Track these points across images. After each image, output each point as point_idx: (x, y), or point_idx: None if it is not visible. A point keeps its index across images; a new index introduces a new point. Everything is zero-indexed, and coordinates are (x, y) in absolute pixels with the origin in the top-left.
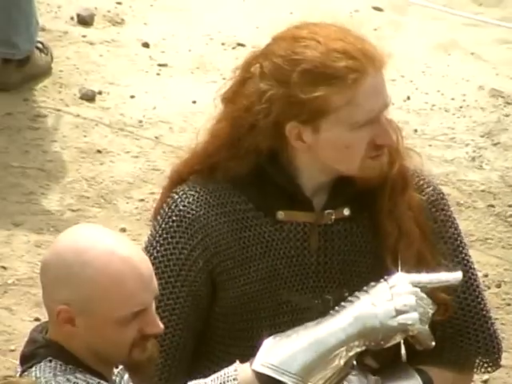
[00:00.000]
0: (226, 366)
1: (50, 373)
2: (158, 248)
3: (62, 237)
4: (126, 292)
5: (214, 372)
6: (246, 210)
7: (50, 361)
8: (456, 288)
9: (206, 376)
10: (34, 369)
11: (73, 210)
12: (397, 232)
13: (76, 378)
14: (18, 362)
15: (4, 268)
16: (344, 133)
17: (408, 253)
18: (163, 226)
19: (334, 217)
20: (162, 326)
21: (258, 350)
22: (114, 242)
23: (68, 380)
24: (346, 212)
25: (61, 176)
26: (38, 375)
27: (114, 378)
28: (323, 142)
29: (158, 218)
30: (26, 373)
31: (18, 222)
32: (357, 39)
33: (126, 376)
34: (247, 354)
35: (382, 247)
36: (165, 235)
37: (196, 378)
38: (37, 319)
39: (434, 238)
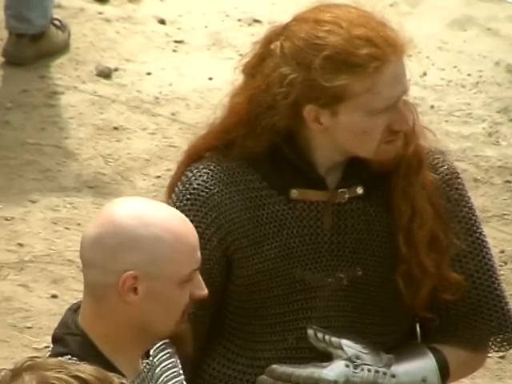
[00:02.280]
0: (240, 344)
1: None
2: None
3: (108, 208)
4: (188, 248)
5: (228, 350)
6: (260, 188)
7: (70, 358)
8: (469, 267)
9: (220, 354)
10: (63, 359)
11: (89, 187)
12: (410, 211)
13: None
14: (34, 339)
15: (21, 245)
16: (362, 118)
17: (421, 232)
18: (177, 204)
19: (347, 195)
20: (206, 290)
21: (271, 329)
22: (163, 205)
23: None
24: (360, 191)
25: (77, 153)
26: None
27: (142, 367)
28: (340, 126)
29: (173, 196)
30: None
31: (34, 199)
32: (379, 25)
33: (159, 368)
34: (261, 332)
35: (395, 226)
36: None
37: (211, 357)
38: (54, 296)
39: (448, 217)
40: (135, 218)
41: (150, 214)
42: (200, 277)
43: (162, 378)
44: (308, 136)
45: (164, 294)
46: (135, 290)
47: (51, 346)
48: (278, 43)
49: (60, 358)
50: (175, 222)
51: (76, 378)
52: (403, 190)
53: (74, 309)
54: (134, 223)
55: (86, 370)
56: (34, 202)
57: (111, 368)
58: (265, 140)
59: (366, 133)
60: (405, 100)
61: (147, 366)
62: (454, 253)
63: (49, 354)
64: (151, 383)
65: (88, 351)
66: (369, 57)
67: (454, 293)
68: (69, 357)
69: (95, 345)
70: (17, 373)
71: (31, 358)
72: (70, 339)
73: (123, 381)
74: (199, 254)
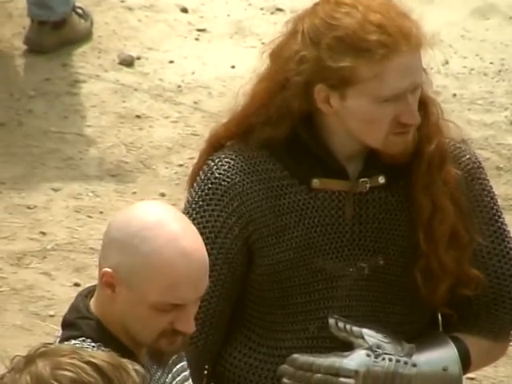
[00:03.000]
0: (261, 334)
1: None
2: (194, 215)
3: (137, 206)
4: (170, 280)
5: (249, 339)
6: (281, 177)
7: (84, 340)
8: (491, 257)
9: (241, 343)
10: (77, 342)
11: (112, 175)
12: (431, 208)
13: None
14: (57, 328)
15: (43, 233)
16: (369, 105)
17: (441, 229)
18: (199, 193)
19: (368, 185)
20: (193, 328)
21: (292, 318)
22: (182, 230)
23: None
24: (382, 180)
25: (100, 141)
26: None
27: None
28: (349, 111)
29: (195, 185)
30: (65, 342)
31: (57, 188)
32: (398, 15)
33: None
34: (282, 322)
35: (415, 222)
36: (201, 202)
37: (232, 346)
38: (76, 284)
39: (470, 212)
40: (142, 226)
41: (157, 230)
42: (190, 313)
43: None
44: (323, 121)
45: (135, 307)
46: (113, 287)
47: (60, 331)
48: (300, 24)
49: (74, 341)
50: (172, 252)
51: (89, 363)
52: (425, 186)
53: (85, 294)
54: (136, 230)
55: (99, 355)
56: (56, 190)
57: (125, 350)
58: (283, 126)
59: (372, 120)
60: (428, 96)
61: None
62: (477, 248)
63: (59, 339)
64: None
65: (102, 334)
66: (378, 43)
67: (474, 288)
68: (83, 339)
69: (108, 328)
70: (30, 359)
71: (44, 345)
72: (83, 323)
73: (137, 367)
74: (191, 292)
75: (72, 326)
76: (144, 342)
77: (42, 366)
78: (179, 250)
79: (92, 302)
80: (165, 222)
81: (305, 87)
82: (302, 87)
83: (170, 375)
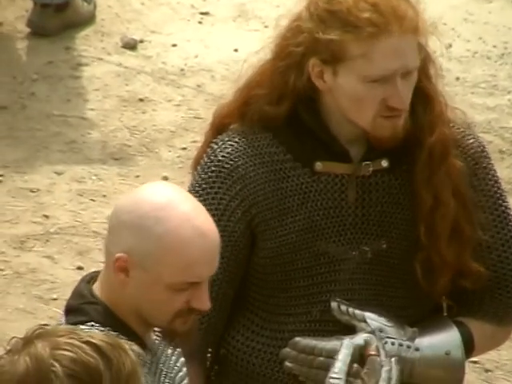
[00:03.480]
0: (264, 317)
1: None
2: (197, 198)
3: (144, 187)
4: (187, 260)
5: (252, 322)
6: (284, 160)
7: (93, 325)
8: (495, 240)
9: (244, 326)
10: (84, 327)
11: (115, 159)
12: (432, 202)
13: None
14: (60, 311)
15: (46, 217)
16: (357, 84)
17: (443, 224)
18: (202, 175)
19: (371, 168)
20: (209, 304)
21: (295, 301)
22: (194, 209)
23: None
24: (385, 164)
25: (103, 125)
26: None
27: (154, 338)
28: (340, 88)
29: (198, 167)
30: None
31: (59, 171)
32: None
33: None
34: (284, 305)
35: (417, 214)
36: (204, 185)
37: (235, 329)
38: (79, 268)
39: (474, 197)
40: (153, 207)
41: (169, 211)
42: (205, 290)
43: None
44: (321, 101)
45: (151, 290)
46: (128, 272)
47: (63, 316)
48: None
49: (82, 327)
50: (186, 231)
51: (88, 343)
52: (426, 179)
53: (87, 280)
54: (148, 212)
55: (97, 335)
56: (59, 173)
57: (133, 334)
58: (283, 105)
59: (360, 100)
60: (432, 86)
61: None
62: (480, 238)
63: (63, 324)
64: (167, 348)
65: (109, 319)
66: (368, 21)
67: (475, 282)
68: (91, 324)
69: (114, 312)
70: (28, 341)
71: (41, 327)
72: (89, 308)
73: (134, 347)
74: (207, 269)
75: (78, 311)
76: (159, 324)
77: (41, 347)
78: (194, 230)
79: (96, 288)
80: (176, 203)
81: (301, 59)
82: (299, 59)
83: (173, 357)
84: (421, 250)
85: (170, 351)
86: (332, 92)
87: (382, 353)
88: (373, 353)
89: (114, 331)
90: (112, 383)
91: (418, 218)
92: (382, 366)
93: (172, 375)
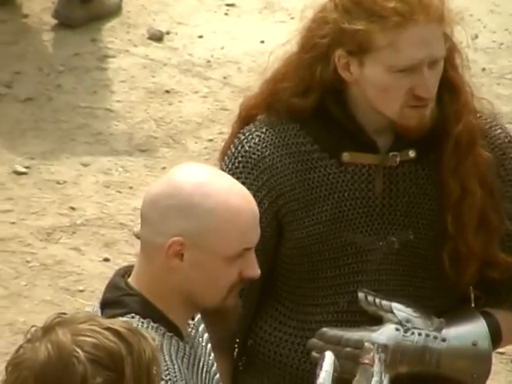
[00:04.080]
0: (291, 307)
1: None
2: None
3: (173, 172)
4: (241, 227)
5: (280, 313)
6: (312, 151)
7: (133, 317)
8: None
9: (272, 317)
10: (124, 319)
11: (141, 151)
12: (459, 192)
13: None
14: (86, 302)
15: (73, 209)
16: (384, 74)
17: (470, 213)
18: (229, 166)
19: (399, 159)
20: (259, 270)
21: (322, 292)
22: (230, 179)
23: None
24: (412, 154)
25: (129, 116)
26: None
27: (189, 330)
28: (366, 79)
29: (225, 158)
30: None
31: (86, 163)
32: None
33: (201, 327)
34: (312, 296)
35: (444, 204)
36: (231, 176)
37: (263, 319)
38: (106, 259)
39: (501, 188)
40: (195, 185)
41: (211, 185)
42: (254, 257)
43: (205, 335)
44: (348, 92)
45: (209, 267)
46: (182, 255)
47: (98, 310)
48: None
49: (121, 318)
50: (235, 199)
51: (109, 329)
52: (453, 169)
53: (121, 274)
54: (192, 190)
55: (117, 322)
56: (85, 165)
57: (172, 326)
58: (310, 97)
59: (387, 90)
60: (459, 76)
61: (193, 327)
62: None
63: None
64: (200, 339)
65: (149, 310)
66: (394, 10)
67: (503, 272)
68: (132, 315)
69: (153, 304)
70: (48, 328)
71: (59, 315)
72: (129, 299)
73: (153, 335)
74: (255, 234)
75: (117, 303)
76: (213, 304)
77: (62, 334)
78: (240, 197)
79: (132, 281)
80: (213, 176)
81: (327, 51)
82: (325, 51)
83: (207, 350)
84: (448, 240)
85: (203, 343)
86: (359, 83)
87: (377, 364)
88: (366, 362)
89: (154, 322)
90: (133, 368)
91: (445, 207)
92: (372, 377)
93: (208, 368)
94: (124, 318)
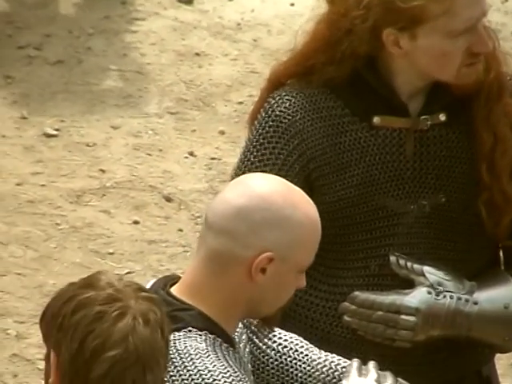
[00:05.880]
0: (323, 271)
1: (200, 343)
2: (255, 153)
3: (251, 185)
4: (316, 239)
5: (311, 277)
6: (342, 115)
7: (190, 331)
8: None
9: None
10: (181, 333)
11: (171, 113)
12: (492, 140)
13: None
14: (116, 265)
15: (103, 171)
16: (441, 41)
17: (503, 160)
18: (260, 131)
19: (429, 122)
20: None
21: (353, 255)
22: (295, 187)
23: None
24: (442, 117)
25: (159, 79)
26: (186, 343)
27: (236, 338)
28: (420, 50)
29: (256, 122)
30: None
31: (116, 125)
32: None
33: (244, 337)
34: (343, 259)
35: (478, 154)
36: (261, 140)
37: None
38: (135, 222)
39: None
40: (283, 197)
41: (296, 196)
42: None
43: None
44: (389, 61)
45: (284, 279)
46: (264, 270)
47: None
48: None
49: (178, 334)
50: (313, 210)
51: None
52: (485, 118)
53: (162, 287)
54: (282, 203)
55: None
56: (115, 127)
57: (228, 338)
58: (345, 66)
59: (445, 56)
60: (485, 25)
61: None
62: None
63: None
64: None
65: (205, 322)
66: None
67: None
68: (189, 329)
69: (211, 317)
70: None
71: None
72: (183, 314)
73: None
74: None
75: (171, 319)
76: (271, 313)
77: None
78: (313, 207)
79: (183, 291)
80: (288, 185)
81: (372, 33)
82: (369, 33)
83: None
84: (483, 190)
85: (242, 345)
86: (408, 55)
87: None
88: None
89: (211, 334)
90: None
91: (479, 158)
92: None
93: (248, 369)
94: (180, 333)
